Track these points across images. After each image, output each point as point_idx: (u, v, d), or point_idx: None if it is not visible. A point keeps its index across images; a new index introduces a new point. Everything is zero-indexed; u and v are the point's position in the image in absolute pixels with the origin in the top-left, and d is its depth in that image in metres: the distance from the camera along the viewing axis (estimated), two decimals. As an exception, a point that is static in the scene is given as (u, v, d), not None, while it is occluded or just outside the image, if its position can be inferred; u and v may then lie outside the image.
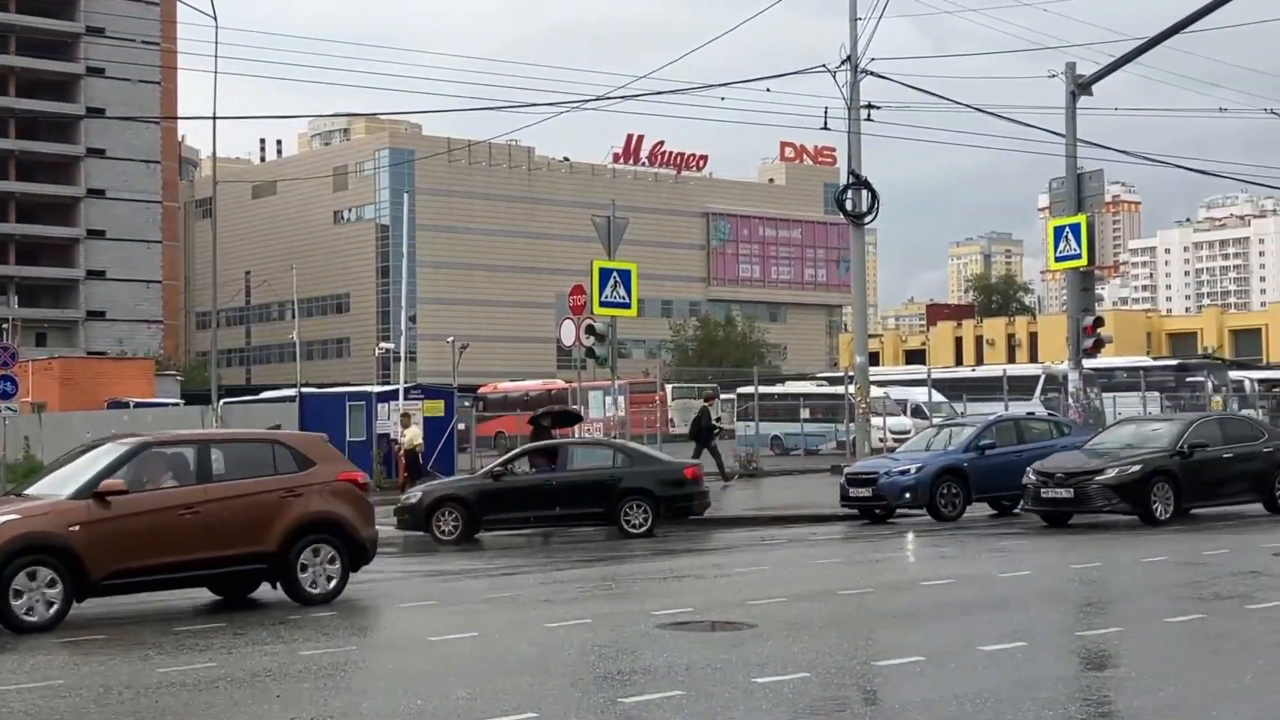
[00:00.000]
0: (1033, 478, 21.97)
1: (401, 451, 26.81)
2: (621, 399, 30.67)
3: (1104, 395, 44.49)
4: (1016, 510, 24.52)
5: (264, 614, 13.94)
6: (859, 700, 9.21)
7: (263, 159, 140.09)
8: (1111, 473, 21.26)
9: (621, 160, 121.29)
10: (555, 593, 15.45)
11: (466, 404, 52.36)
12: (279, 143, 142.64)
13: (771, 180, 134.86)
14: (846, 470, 25.43)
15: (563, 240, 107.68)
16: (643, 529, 22.02)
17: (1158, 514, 21.08)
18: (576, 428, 35.17)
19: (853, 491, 24.27)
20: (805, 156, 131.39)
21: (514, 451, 25.18)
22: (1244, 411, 49.25)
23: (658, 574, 17.09)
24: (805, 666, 10.02)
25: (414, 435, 26.37)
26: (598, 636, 11.88)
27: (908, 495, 23.67)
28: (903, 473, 23.87)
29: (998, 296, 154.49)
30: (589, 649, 11.25)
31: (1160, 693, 9.09)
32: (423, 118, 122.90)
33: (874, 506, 24.05)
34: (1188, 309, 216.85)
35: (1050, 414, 30.14)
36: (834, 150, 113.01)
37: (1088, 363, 31.20)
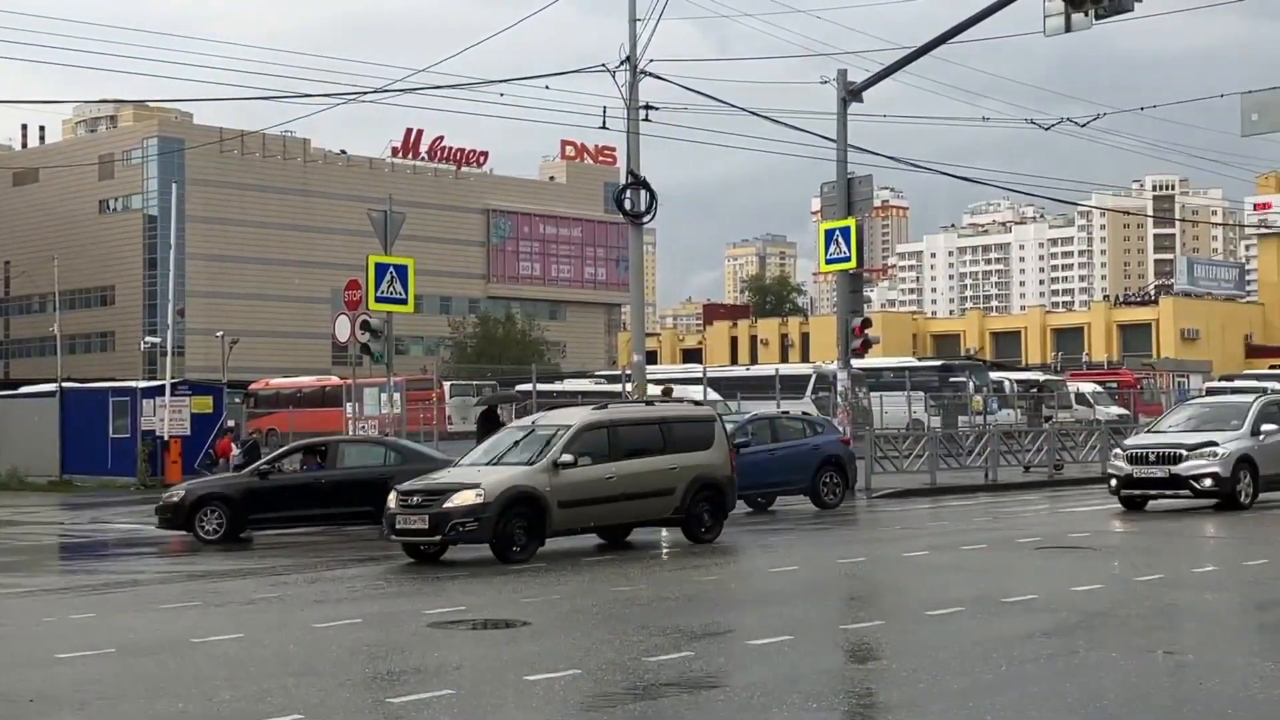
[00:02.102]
0: None
1: None
2: (398, 396, 30.31)
3: (872, 394, 45.73)
4: (773, 508, 25.07)
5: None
6: (629, 696, 9.24)
7: (24, 145, 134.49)
8: None
9: (400, 155, 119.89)
10: (325, 592, 15.16)
11: (237, 400, 51.20)
12: (41, 129, 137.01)
13: (552, 178, 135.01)
14: None
15: (339, 234, 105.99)
16: None
17: None
18: (357, 424, 34.79)
19: None
20: (586, 155, 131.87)
21: (283, 449, 24.67)
22: (1003, 411, 51.23)
23: (431, 573, 16.92)
24: (577, 664, 10.03)
25: None
26: (368, 636, 11.71)
27: None
28: None
29: (772, 297, 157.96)
30: (358, 649, 11.07)
31: None
32: (194, 106, 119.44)
33: None
34: (952, 312, 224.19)
35: (804, 413, 30.61)
36: (614, 150, 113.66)
37: (856, 363, 31.98)
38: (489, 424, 29.20)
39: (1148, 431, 25.31)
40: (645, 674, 9.86)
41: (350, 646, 11.17)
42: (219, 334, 73.57)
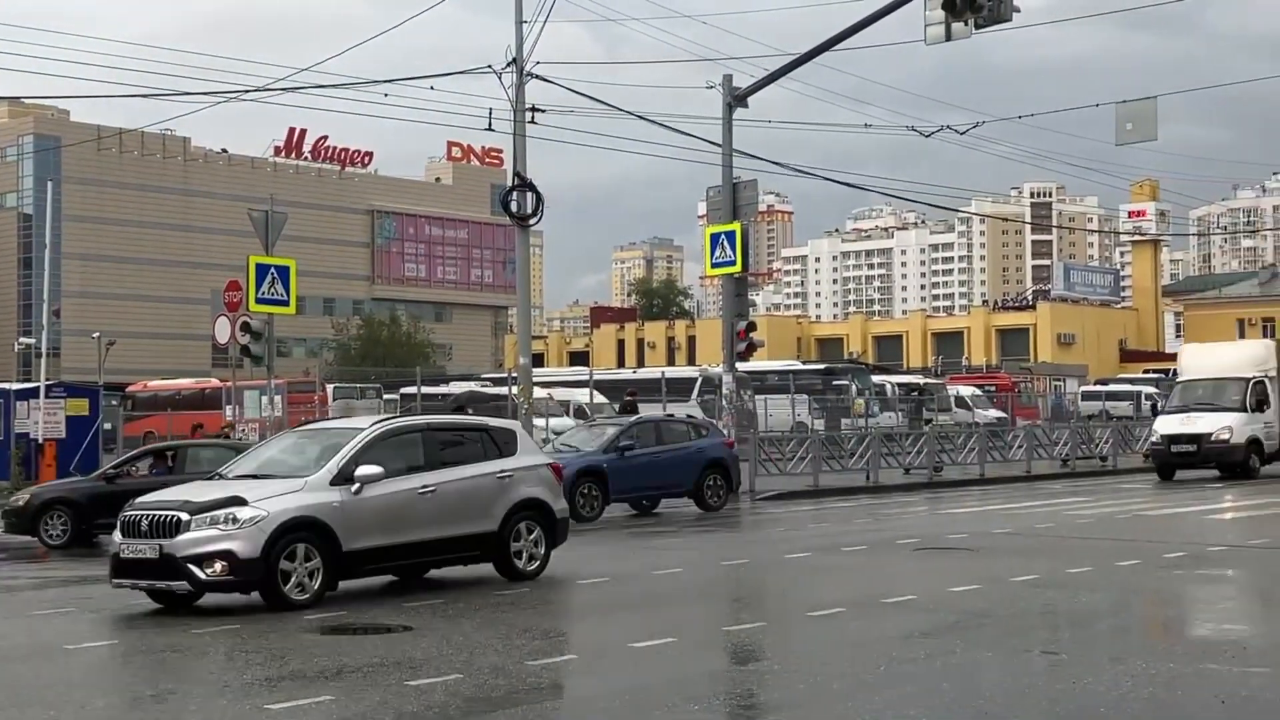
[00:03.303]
0: None
1: None
2: (279, 399, 29.94)
3: (756, 397, 46.07)
4: (657, 510, 25.13)
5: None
6: (511, 700, 9.21)
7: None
8: None
9: (283, 154, 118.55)
10: (202, 598, 14.91)
11: (114, 403, 50.19)
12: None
13: (438, 179, 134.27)
14: None
15: (220, 234, 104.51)
16: None
17: None
18: (237, 427, 34.37)
19: None
20: (472, 157, 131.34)
21: (130, 453, 24.22)
22: (885, 414, 51.87)
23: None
24: (459, 667, 9.98)
25: None
26: (246, 642, 11.55)
27: None
28: None
29: (659, 300, 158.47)
30: (236, 654, 10.92)
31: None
32: (72, 104, 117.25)
33: None
34: (835, 315, 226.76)
35: (689, 416, 30.68)
36: (501, 151, 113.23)
37: (741, 366, 32.18)
38: None
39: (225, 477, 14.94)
40: (528, 677, 9.84)
41: (227, 652, 11.02)
42: (95, 335, 72.22)
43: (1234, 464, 32.11)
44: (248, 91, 33.72)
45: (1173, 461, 32.57)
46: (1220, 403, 32.68)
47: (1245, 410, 32.44)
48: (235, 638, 11.73)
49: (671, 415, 30.04)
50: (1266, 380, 33.33)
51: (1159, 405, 44.90)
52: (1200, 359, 35.65)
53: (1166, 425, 33.05)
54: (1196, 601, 13.37)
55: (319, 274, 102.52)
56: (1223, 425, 32.00)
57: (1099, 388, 72.07)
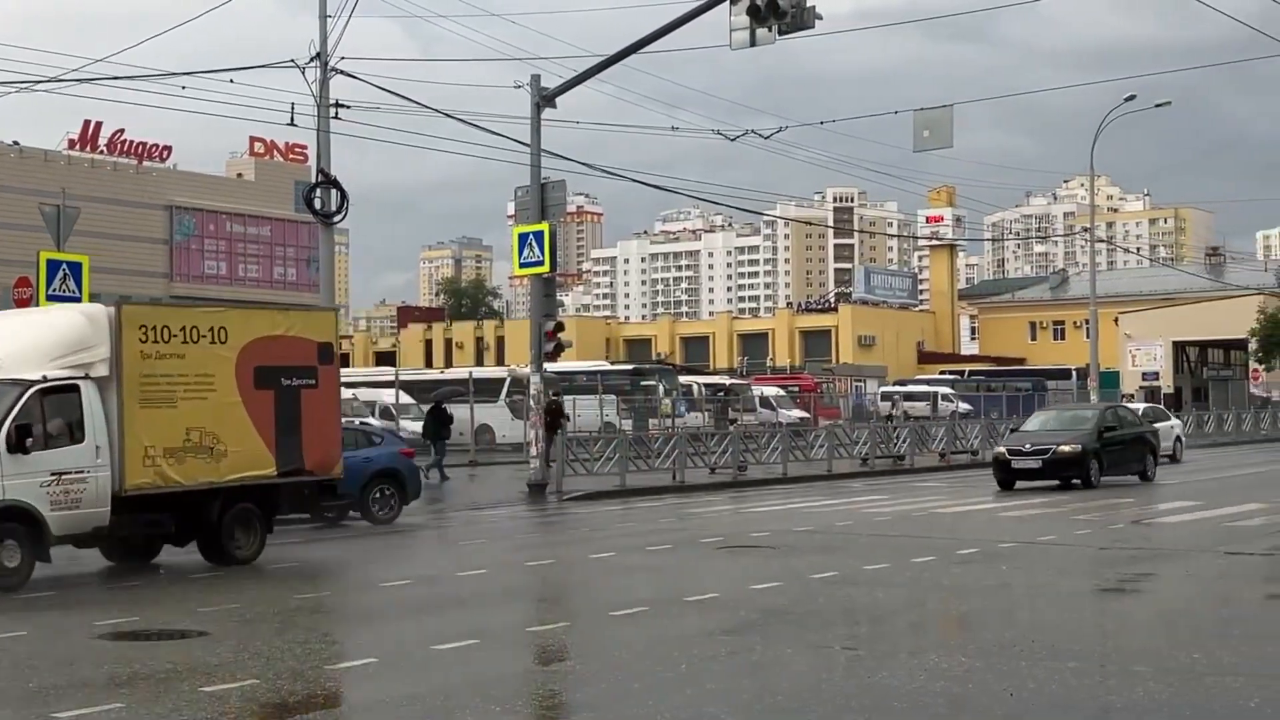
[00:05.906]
0: None
1: None
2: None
3: (565, 397, 46.10)
4: (346, 520, 23.55)
5: None
6: (309, 705, 9.06)
7: None
8: None
9: (78, 147, 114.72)
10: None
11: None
12: None
13: (240, 175, 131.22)
14: None
15: (11, 229, 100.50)
16: None
17: None
18: None
19: None
20: (276, 153, 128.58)
21: None
22: (692, 414, 52.42)
23: (103, 583, 16.25)
24: (256, 673, 9.77)
25: None
26: (33, 649, 11.15)
27: None
28: None
29: (467, 300, 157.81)
30: (21, 662, 10.52)
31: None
32: None
33: None
34: (644, 316, 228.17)
35: (362, 423, 28.86)
36: (306, 148, 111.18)
37: (550, 366, 32.14)
38: (438, 419, 28.80)
39: None
40: (326, 682, 9.70)
41: (13, 660, 10.61)
42: (-126, 332, 69.09)
43: None
44: (39, 82, 32.57)
45: None
46: None
47: None
48: (23, 645, 11.32)
49: (351, 422, 28.67)
50: (82, 385, 15.59)
51: None
52: None
53: None
54: (989, 597, 13.76)
55: (114, 271, 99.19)
56: None
57: (897, 388, 73.86)
